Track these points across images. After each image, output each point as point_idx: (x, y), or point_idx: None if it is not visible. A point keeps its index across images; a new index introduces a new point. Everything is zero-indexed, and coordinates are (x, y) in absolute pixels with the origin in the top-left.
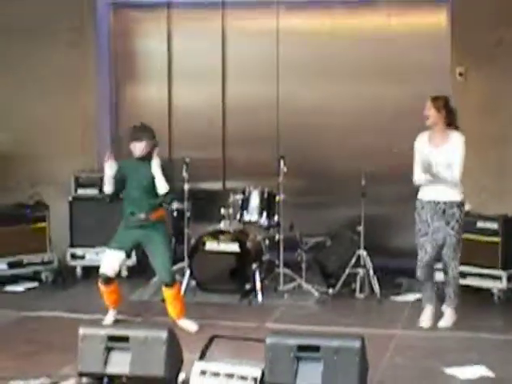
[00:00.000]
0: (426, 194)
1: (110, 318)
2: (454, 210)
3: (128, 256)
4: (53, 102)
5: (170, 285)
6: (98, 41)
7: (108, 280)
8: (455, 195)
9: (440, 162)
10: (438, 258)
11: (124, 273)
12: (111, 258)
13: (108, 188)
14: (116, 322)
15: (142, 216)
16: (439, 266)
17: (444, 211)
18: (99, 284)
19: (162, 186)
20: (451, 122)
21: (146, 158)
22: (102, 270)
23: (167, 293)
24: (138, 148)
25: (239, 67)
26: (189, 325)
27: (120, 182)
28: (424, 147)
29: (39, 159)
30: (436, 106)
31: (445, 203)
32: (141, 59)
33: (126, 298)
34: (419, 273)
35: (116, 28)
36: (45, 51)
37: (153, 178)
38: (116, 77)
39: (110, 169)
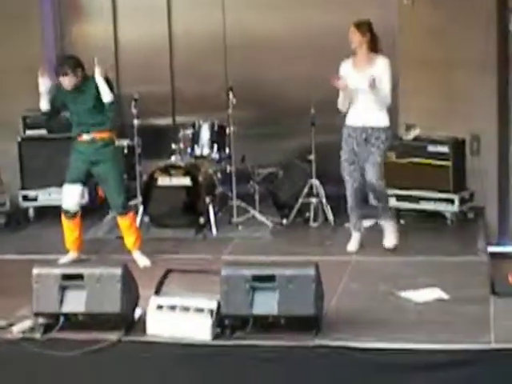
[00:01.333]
0: (354, 119)
1: (68, 257)
2: (379, 133)
3: (85, 185)
4: None
5: (122, 213)
6: None
7: (71, 214)
8: (382, 120)
9: (366, 87)
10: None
11: None
12: (69, 192)
13: (43, 105)
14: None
15: (88, 136)
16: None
17: (370, 136)
18: (63, 219)
19: (106, 94)
20: (375, 47)
21: (79, 85)
22: (63, 206)
23: (121, 222)
24: (68, 82)
25: None
26: (141, 259)
27: (59, 101)
28: (349, 72)
29: None
30: (360, 30)
31: (372, 128)
32: None
33: None
34: (350, 201)
35: None
36: None
37: (94, 97)
38: (60, 14)
39: (42, 85)
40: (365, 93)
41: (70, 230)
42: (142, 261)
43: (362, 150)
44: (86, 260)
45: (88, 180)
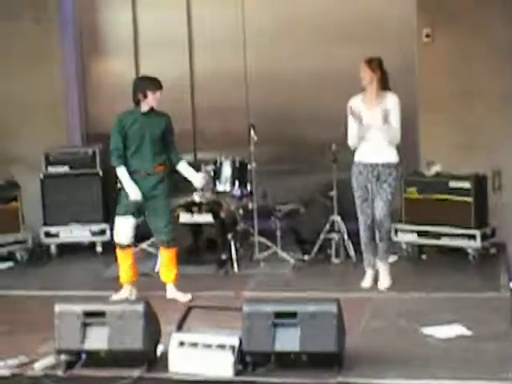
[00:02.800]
0: (363, 156)
1: (124, 293)
2: (390, 170)
3: (136, 217)
4: (20, 79)
5: (168, 245)
6: (62, 16)
7: (124, 246)
8: (392, 156)
9: (376, 123)
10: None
11: (98, 249)
12: (122, 225)
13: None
14: (91, 297)
15: (146, 170)
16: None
17: (381, 173)
18: (117, 251)
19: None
20: (385, 84)
21: (153, 110)
22: (116, 239)
23: (164, 253)
24: (159, 98)
25: (206, 36)
26: (180, 294)
27: (123, 134)
28: (358, 109)
29: (9, 138)
30: (371, 66)
31: (382, 165)
32: (106, 32)
33: (101, 273)
34: (363, 238)
35: (80, 2)
36: (10, 28)
37: (161, 132)
38: (82, 51)
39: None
40: (375, 129)
41: (124, 260)
42: (182, 296)
43: (374, 187)
44: (107, 297)
45: (140, 210)
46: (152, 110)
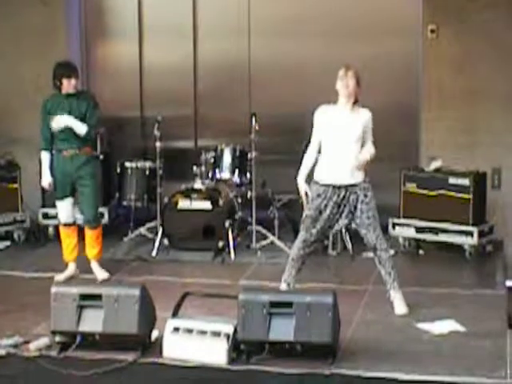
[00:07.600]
0: (325, 176)
1: (67, 273)
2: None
3: (73, 196)
4: (24, 59)
5: (93, 226)
6: None
7: (68, 224)
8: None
9: (348, 138)
10: None
11: None
12: (61, 207)
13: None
14: (87, 280)
15: (72, 151)
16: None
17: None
18: (60, 228)
19: (80, 130)
20: (358, 98)
21: (74, 95)
22: (61, 221)
23: (89, 233)
24: (73, 85)
25: (210, 23)
26: (100, 272)
27: (48, 120)
28: (329, 121)
29: (10, 118)
30: (357, 76)
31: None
32: (111, 16)
33: None
34: None
35: None
36: (16, 8)
37: (82, 114)
38: (86, 33)
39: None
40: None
41: (68, 238)
42: (101, 273)
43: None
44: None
45: (74, 189)
46: (75, 92)
